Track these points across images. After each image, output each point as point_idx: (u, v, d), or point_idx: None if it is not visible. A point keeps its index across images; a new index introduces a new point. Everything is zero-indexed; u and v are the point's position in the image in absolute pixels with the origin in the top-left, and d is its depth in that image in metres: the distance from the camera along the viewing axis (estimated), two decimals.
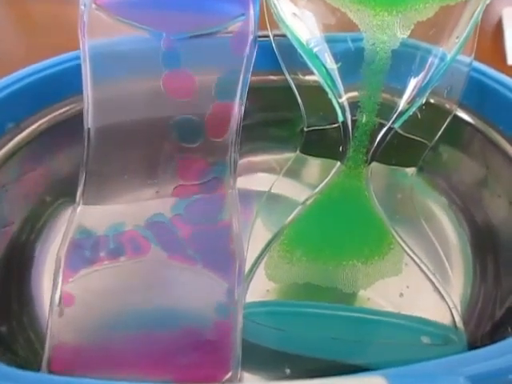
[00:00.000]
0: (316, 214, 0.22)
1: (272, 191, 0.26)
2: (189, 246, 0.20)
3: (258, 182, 0.27)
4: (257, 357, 0.19)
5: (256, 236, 0.23)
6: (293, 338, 0.20)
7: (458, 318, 0.20)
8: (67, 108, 0.25)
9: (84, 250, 0.19)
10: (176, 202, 0.20)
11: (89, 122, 0.19)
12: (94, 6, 0.19)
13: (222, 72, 0.20)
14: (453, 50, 0.22)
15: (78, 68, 0.23)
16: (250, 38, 0.20)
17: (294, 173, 0.26)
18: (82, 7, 0.19)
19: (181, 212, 0.20)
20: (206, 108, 0.20)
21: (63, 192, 0.25)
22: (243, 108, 0.21)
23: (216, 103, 0.20)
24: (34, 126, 0.24)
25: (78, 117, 0.23)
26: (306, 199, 0.23)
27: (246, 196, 0.25)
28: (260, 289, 0.21)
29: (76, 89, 0.23)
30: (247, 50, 0.20)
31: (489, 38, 0.41)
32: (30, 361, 0.19)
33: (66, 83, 0.24)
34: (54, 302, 0.18)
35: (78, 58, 0.23)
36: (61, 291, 0.18)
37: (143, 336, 0.18)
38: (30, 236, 0.24)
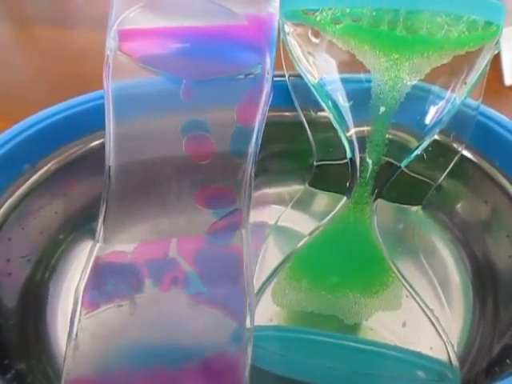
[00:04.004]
0: (321, 245, 0.23)
1: (281, 221, 0.26)
2: (204, 284, 0.20)
3: (271, 213, 0.28)
4: (257, 380, 0.20)
5: (263, 262, 0.24)
6: (292, 363, 0.20)
7: (453, 355, 0.20)
8: (79, 147, 0.26)
9: (102, 287, 0.19)
10: (195, 240, 0.21)
11: (110, 159, 0.20)
12: (118, 52, 0.20)
13: (238, 116, 0.21)
14: (461, 94, 0.23)
15: (89, 111, 0.25)
16: (266, 87, 0.21)
17: (302, 205, 0.27)
18: (108, 52, 0.20)
19: (199, 252, 0.21)
20: (221, 148, 0.21)
21: (75, 228, 0.26)
22: (258, 147, 0.21)
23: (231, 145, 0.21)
24: (47, 166, 0.25)
25: (89, 156, 0.26)
26: (313, 230, 0.23)
27: (259, 228, 0.26)
28: (264, 314, 0.22)
29: (87, 129, 0.26)
30: (263, 97, 0.21)
31: None
32: None
33: (78, 125, 0.26)
34: (70, 337, 0.18)
35: (88, 101, 0.25)
36: (77, 327, 0.18)
37: (155, 372, 0.18)
38: (45, 273, 0.25)
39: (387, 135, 0.23)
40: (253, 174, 0.21)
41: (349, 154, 0.24)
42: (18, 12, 0.53)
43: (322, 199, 0.27)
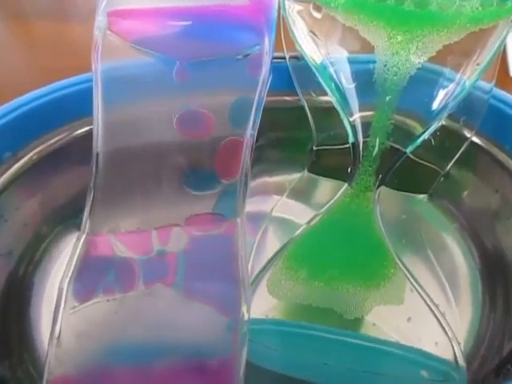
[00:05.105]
0: (320, 235, 0.22)
1: (277, 208, 0.25)
2: (196, 280, 0.19)
3: (270, 203, 0.27)
4: (249, 376, 0.19)
5: (259, 251, 0.23)
6: (286, 359, 0.20)
7: (459, 354, 0.19)
8: (63, 135, 0.25)
9: (88, 281, 0.18)
10: (185, 233, 0.20)
11: (98, 146, 0.19)
12: (108, 32, 0.19)
13: (235, 99, 0.20)
14: (472, 76, 0.22)
15: (75, 94, 0.24)
16: (264, 69, 0.20)
17: (300, 192, 0.26)
18: (97, 32, 0.19)
19: (189, 243, 0.20)
20: (220, 135, 0.20)
21: (61, 220, 0.25)
22: (255, 132, 0.20)
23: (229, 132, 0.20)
24: (30, 155, 0.24)
25: (74, 144, 0.25)
26: (311, 219, 0.23)
27: (256, 218, 0.25)
28: (259, 306, 0.21)
29: (73, 115, 0.25)
30: (260, 79, 0.20)
31: None
32: None
33: (62, 110, 0.24)
34: (53, 334, 0.17)
35: (74, 84, 0.24)
36: (61, 323, 0.18)
37: (142, 371, 0.18)
38: (29, 268, 0.24)
39: (392, 119, 0.22)
40: (249, 161, 0.20)
41: (351, 139, 0.23)
42: (14, 6, 0.53)
43: (322, 186, 0.26)
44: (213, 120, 0.20)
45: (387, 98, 0.21)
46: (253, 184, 0.21)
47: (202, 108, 0.20)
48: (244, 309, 0.19)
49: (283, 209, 0.26)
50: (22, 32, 0.48)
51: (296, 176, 0.28)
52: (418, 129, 0.22)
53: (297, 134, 0.28)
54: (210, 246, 0.20)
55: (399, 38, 0.20)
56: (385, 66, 0.21)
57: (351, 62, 0.22)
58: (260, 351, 0.20)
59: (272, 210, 0.26)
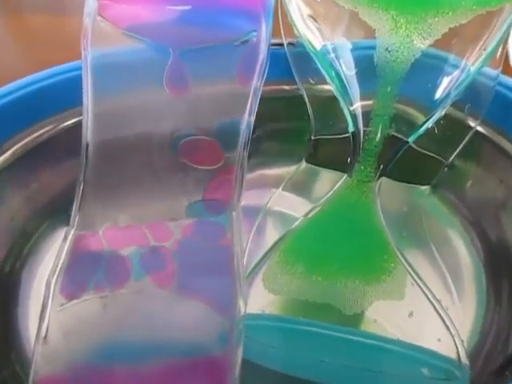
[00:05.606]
0: (318, 227, 0.22)
1: (274, 200, 0.25)
2: (190, 276, 0.18)
3: (267, 196, 0.26)
4: (243, 374, 0.18)
5: (254, 245, 0.23)
6: (282, 356, 0.19)
7: (462, 352, 0.18)
8: (50, 127, 0.24)
9: (76, 277, 0.18)
10: (179, 228, 0.19)
11: (88, 136, 0.18)
12: (98, 17, 0.18)
13: (231, 88, 0.19)
14: (477, 62, 0.21)
15: (61, 84, 0.23)
16: (261, 56, 0.19)
17: (297, 183, 0.26)
18: (87, 18, 0.18)
19: (183, 239, 0.19)
20: (213, 123, 0.19)
21: (49, 215, 0.24)
22: (252, 123, 0.20)
23: (223, 120, 0.20)
24: (16, 147, 0.23)
25: (62, 135, 0.24)
26: (309, 211, 0.22)
27: (253, 211, 0.25)
28: (255, 301, 0.20)
29: (59, 106, 0.24)
30: (257, 67, 0.19)
31: None
32: None
33: (49, 100, 0.24)
34: (40, 332, 0.17)
35: (61, 73, 0.24)
36: (48, 320, 0.17)
37: (133, 371, 0.17)
38: (16, 264, 0.23)
39: (394, 107, 0.21)
40: (246, 153, 0.20)
41: (351, 128, 0.22)
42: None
43: (320, 177, 0.26)
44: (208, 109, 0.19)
45: (389, 85, 0.21)
46: (249, 177, 0.21)
47: (197, 97, 0.19)
48: (240, 303, 0.18)
49: (280, 201, 0.25)
50: (18, 26, 0.48)
51: (294, 168, 0.27)
52: (421, 117, 0.22)
53: (295, 124, 0.27)
54: (205, 242, 0.19)
55: (402, 20, 0.20)
56: (386, 50, 0.20)
57: (352, 47, 0.22)
58: (255, 348, 0.19)
59: (268, 201, 0.25)
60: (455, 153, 0.24)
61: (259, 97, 0.20)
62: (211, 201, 0.19)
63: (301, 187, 0.26)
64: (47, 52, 0.40)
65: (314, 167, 0.26)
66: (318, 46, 0.22)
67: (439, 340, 0.19)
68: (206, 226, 0.19)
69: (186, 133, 0.19)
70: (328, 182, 0.24)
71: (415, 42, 0.20)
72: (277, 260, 0.21)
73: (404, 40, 0.20)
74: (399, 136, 0.21)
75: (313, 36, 0.22)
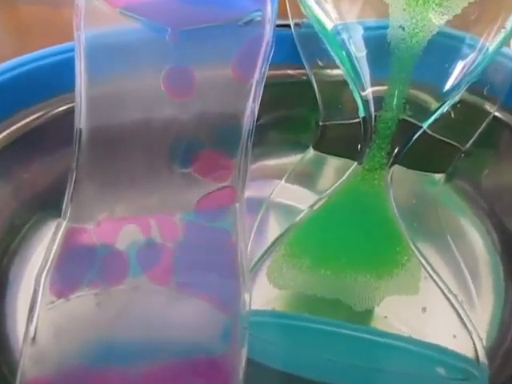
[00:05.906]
0: (326, 218, 0.21)
1: (279, 190, 0.24)
2: (190, 272, 0.18)
3: (271, 188, 0.25)
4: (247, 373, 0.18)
5: (258, 237, 0.22)
6: (287, 354, 0.19)
7: (481, 350, 0.18)
8: (40, 113, 0.23)
9: (67, 273, 0.17)
10: (178, 218, 0.18)
11: (81, 122, 0.18)
12: None
13: (234, 73, 0.19)
14: (496, 42, 0.20)
15: (51, 67, 0.23)
16: (265, 38, 0.18)
17: (304, 171, 0.25)
18: None
19: (183, 232, 0.18)
20: (215, 110, 0.19)
21: (39, 207, 0.24)
22: (257, 110, 0.19)
23: (226, 107, 0.19)
24: (3, 135, 0.23)
25: (51, 123, 0.23)
26: (317, 201, 0.21)
27: (256, 203, 0.24)
28: (259, 296, 0.19)
29: (49, 90, 0.23)
30: (262, 50, 0.18)
31: None
32: None
33: (38, 84, 0.23)
34: (28, 331, 0.16)
35: (51, 55, 0.23)
36: (37, 319, 0.16)
37: (128, 373, 0.16)
38: (3, 259, 0.22)
39: (408, 90, 0.20)
40: (250, 143, 0.19)
41: (361, 113, 0.21)
42: None
43: (328, 165, 0.25)
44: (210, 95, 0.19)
45: (403, 66, 0.20)
46: (253, 167, 0.20)
47: (197, 80, 0.18)
48: (244, 299, 0.17)
49: (284, 192, 0.24)
50: (11, 18, 0.47)
51: (298, 158, 0.27)
52: (435, 101, 0.21)
53: (301, 111, 0.27)
54: (206, 236, 0.18)
55: None
56: (400, 27, 0.19)
57: (363, 26, 0.21)
58: (259, 346, 0.18)
59: (272, 193, 0.24)
60: (472, 139, 0.23)
61: (263, 83, 0.19)
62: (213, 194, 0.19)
63: (307, 177, 0.25)
64: (41, 44, 0.40)
65: (322, 155, 0.25)
66: (328, 26, 0.21)
67: (455, 337, 0.18)
68: (208, 221, 0.19)
69: (186, 119, 0.18)
70: (336, 172, 0.24)
71: (432, 17, 0.19)
72: (282, 253, 0.20)
73: (420, 16, 0.19)
74: (413, 121, 0.21)
75: (324, 16, 0.21)
